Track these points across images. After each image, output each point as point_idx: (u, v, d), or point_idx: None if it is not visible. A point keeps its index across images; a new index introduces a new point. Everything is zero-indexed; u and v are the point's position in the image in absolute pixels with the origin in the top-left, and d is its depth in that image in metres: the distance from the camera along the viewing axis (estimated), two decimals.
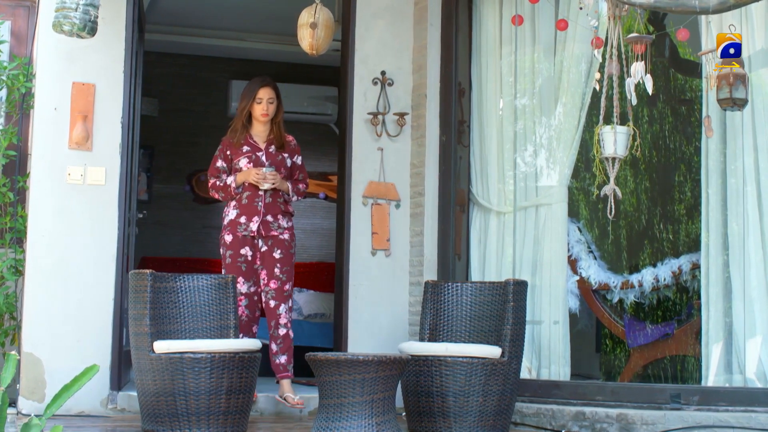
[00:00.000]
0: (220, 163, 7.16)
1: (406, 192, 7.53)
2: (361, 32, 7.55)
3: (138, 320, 6.06)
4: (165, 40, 10.23)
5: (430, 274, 7.25)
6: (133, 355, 6.12)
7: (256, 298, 7.07)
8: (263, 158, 7.07)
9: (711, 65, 5.98)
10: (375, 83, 7.53)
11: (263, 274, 7.02)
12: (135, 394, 6.75)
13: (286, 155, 7.13)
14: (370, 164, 7.49)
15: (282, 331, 6.99)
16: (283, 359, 7.00)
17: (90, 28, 6.00)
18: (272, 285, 6.99)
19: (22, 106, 7.24)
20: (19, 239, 7.16)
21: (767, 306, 6.19)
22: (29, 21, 7.68)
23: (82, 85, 6.98)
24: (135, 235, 7.61)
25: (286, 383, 6.96)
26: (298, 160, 7.20)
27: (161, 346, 5.93)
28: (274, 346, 7.02)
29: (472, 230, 7.35)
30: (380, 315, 7.40)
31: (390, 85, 7.54)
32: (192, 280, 6.48)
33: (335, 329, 7.51)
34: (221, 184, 7.08)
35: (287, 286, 7.04)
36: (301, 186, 7.18)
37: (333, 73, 10.61)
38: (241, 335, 6.77)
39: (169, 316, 6.31)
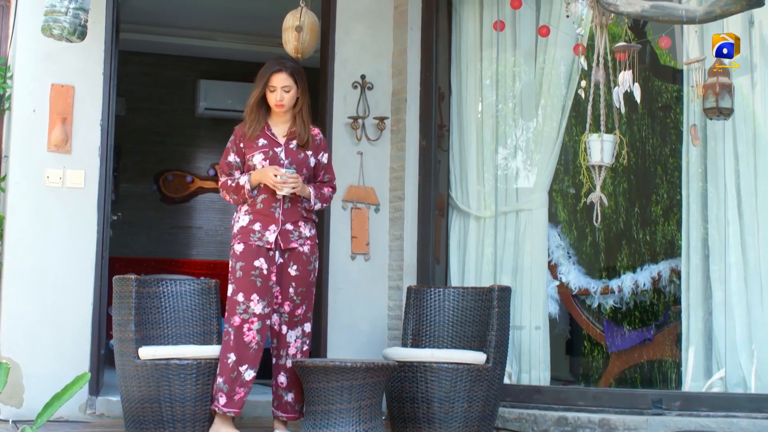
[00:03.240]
0: (232, 158, 6.13)
1: (385, 196, 7.52)
2: (340, 36, 7.53)
3: (123, 326, 6.01)
4: (132, 38, 10.15)
5: (410, 278, 7.25)
6: (117, 361, 6.06)
7: (268, 321, 6.00)
8: (282, 155, 6.09)
9: (697, 73, 6.04)
10: (355, 87, 7.51)
11: (277, 292, 6.06)
12: (114, 399, 6.74)
13: (309, 153, 6.15)
14: (350, 168, 7.47)
15: (291, 364, 6.05)
16: (290, 397, 6.07)
17: (80, 32, 5.94)
18: (286, 307, 6.07)
19: None
20: None
21: (747, 312, 6.25)
22: (3, 21, 7.58)
23: (61, 87, 6.90)
24: (110, 237, 7.55)
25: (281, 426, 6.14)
26: (324, 158, 6.24)
27: (146, 353, 5.89)
28: (282, 379, 6.08)
29: (452, 235, 7.36)
30: (360, 319, 7.39)
31: (370, 89, 7.52)
32: (175, 284, 6.43)
33: (314, 334, 7.47)
34: (233, 184, 6.05)
35: (299, 311, 6.08)
36: (326, 190, 6.23)
37: None
38: (245, 367, 5.88)
39: (153, 321, 6.25)
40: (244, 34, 10.57)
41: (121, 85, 9.38)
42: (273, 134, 6.14)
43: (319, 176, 6.24)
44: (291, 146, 6.12)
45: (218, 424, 5.90)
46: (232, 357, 5.86)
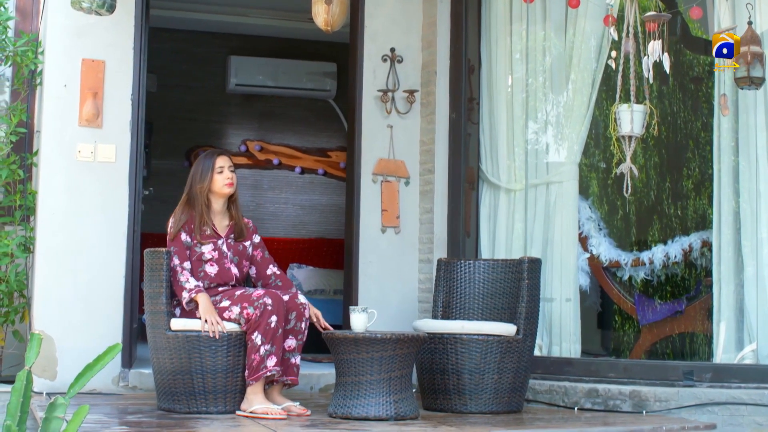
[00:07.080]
0: (184, 237, 6.18)
1: (415, 169, 7.53)
2: (370, 9, 7.52)
3: (154, 299, 6.03)
4: (163, 15, 10.15)
5: (440, 251, 7.25)
6: (149, 334, 6.09)
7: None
8: (224, 247, 6.20)
9: None
10: (384, 60, 7.51)
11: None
12: (146, 371, 6.77)
13: (247, 243, 6.32)
14: (380, 142, 7.48)
15: (305, 326, 6.10)
16: (298, 359, 6.08)
17: (109, 5, 5.97)
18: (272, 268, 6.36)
19: (31, 82, 7.19)
20: (27, 216, 7.13)
21: None
22: None
23: (92, 62, 6.93)
24: (141, 212, 7.58)
25: (279, 395, 6.05)
26: (256, 238, 6.40)
27: (178, 324, 5.92)
28: (293, 343, 6.05)
29: (482, 208, 7.35)
30: (390, 292, 7.40)
31: (399, 62, 7.52)
32: None
33: (345, 306, 7.50)
34: (181, 285, 5.99)
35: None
36: (277, 273, 6.35)
37: (331, 48, 10.63)
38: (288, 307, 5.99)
39: None
40: (274, 10, 10.55)
41: (153, 61, 9.44)
42: (214, 226, 6.26)
43: (258, 256, 6.35)
44: (230, 240, 6.25)
45: (251, 394, 5.85)
46: (275, 318, 5.84)
